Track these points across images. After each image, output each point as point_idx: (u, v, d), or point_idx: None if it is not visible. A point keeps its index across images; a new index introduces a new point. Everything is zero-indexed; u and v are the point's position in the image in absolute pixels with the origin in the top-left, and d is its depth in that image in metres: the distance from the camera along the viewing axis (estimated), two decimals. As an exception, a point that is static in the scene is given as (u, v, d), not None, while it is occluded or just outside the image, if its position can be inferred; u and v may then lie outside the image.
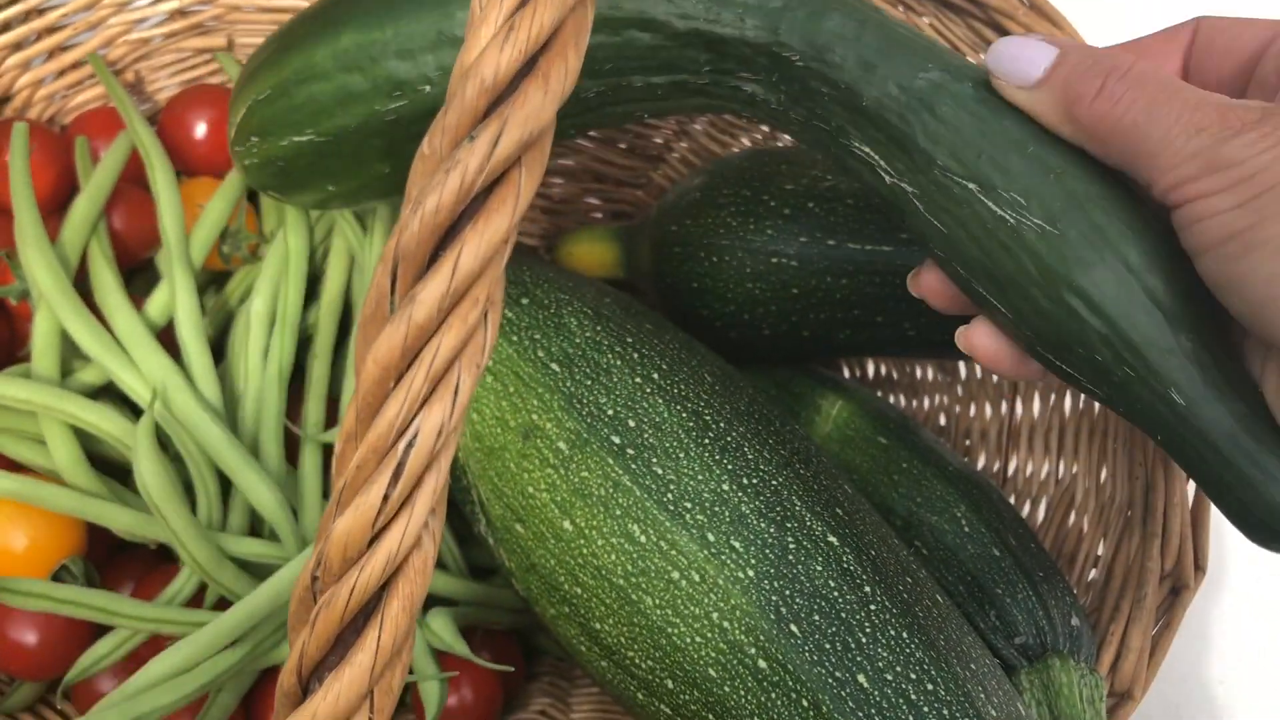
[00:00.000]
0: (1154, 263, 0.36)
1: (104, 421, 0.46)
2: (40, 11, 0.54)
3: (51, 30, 0.55)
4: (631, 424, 0.43)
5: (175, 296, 0.50)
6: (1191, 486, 0.47)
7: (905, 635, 0.39)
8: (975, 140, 0.39)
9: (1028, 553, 0.48)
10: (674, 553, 0.41)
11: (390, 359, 0.25)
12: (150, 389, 0.47)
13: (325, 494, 0.50)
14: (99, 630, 0.48)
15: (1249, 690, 0.69)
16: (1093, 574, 0.50)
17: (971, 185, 0.38)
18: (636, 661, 0.42)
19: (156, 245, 0.55)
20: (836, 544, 0.41)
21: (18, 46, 0.54)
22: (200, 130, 0.57)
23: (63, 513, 0.46)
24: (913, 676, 0.39)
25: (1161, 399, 0.36)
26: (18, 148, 0.49)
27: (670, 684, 0.41)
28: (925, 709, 0.38)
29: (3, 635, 0.47)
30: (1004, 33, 0.51)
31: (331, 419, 0.53)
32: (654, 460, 0.42)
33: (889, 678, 0.38)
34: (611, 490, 0.42)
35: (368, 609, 0.25)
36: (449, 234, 0.25)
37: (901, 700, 0.38)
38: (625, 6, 0.43)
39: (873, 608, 0.40)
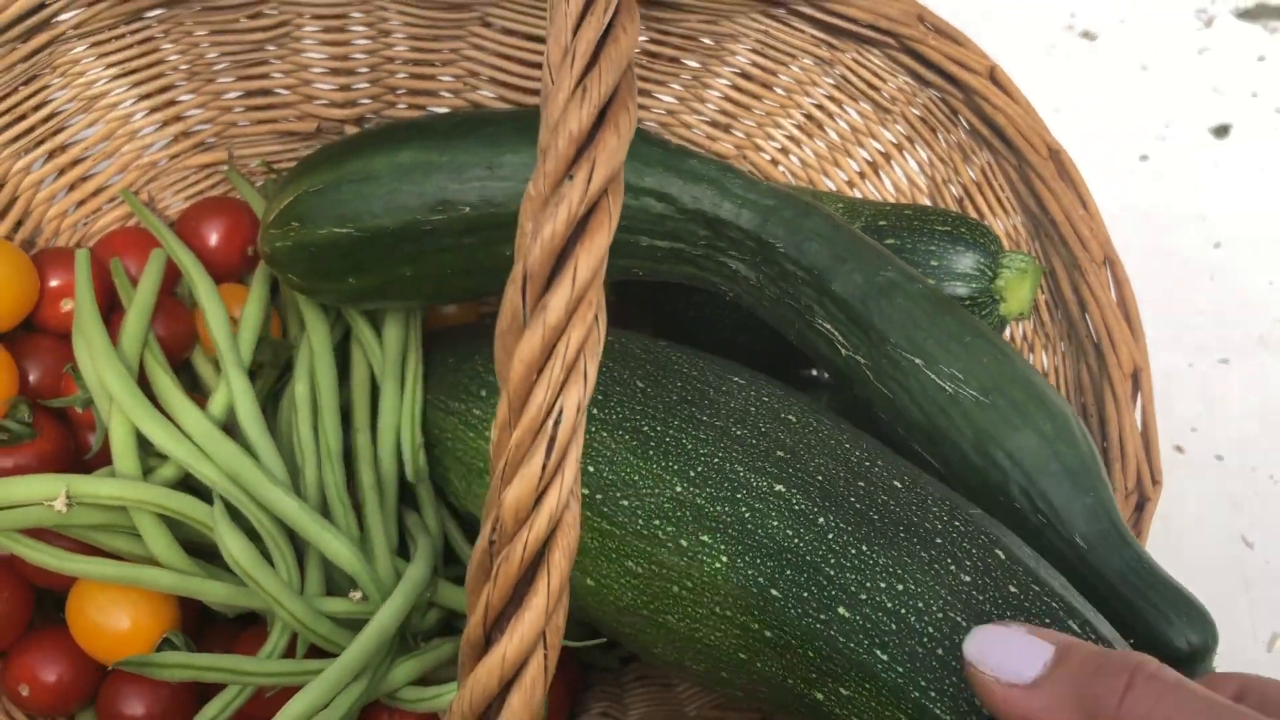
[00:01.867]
0: (1063, 434, 0.46)
1: (187, 508, 0.51)
2: (63, 148, 0.60)
3: (75, 163, 0.61)
4: (590, 469, 0.47)
5: (233, 394, 0.55)
6: (1139, 412, 0.55)
7: (865, 549, 0.41)
8: (923, 326, 0.48)
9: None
10: (664, 570, 0.44)
11: (532, 356, 0.31)
12: (223, 475, 0.52)
13: (390, 545, 0.55)
14: (198, 700, 0.53)
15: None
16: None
17: (918, 360, 0.48)
18: (694, 667, 0.47)
19: (191, 347, 0.60)
20: (783, 490, 0.44)
21: (42, 182, 0.60)
22: (214, 239, 0.62)
23: (164, 591, 0.50)
24: (882, 585, 0.41)
25: (1067, 543, 0.45)
26: (82, 274, 0.55)
27: (725, 674, 0.45)
28: (903, 611, 0.40)
29: (114, 711, 0.51)
30: (919, 58, 0.60)
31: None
32: (618, 495, 0.46)
33: (863, 598, 0.41)
34: (601, 539, 0.46)
35: (536, 561, 0.31)
36: (563, 254, 0.31)
37: (881, 613, 0.40)
38: (647, 179, 0.51)
39: (830, 536, 0.42)
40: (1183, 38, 1.18)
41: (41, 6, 0.53)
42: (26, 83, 0.56)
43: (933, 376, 0.48)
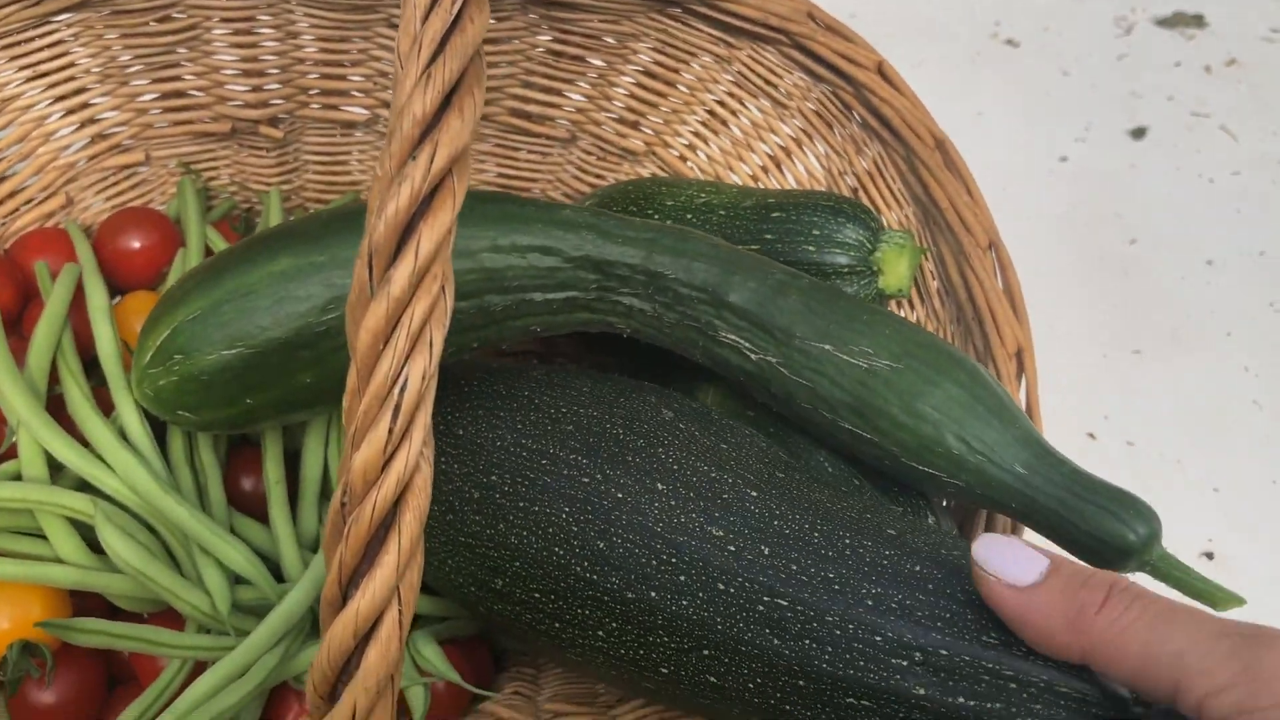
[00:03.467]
0: (978, 380, 0.50)
1: (84, 508, 0.52)
2: (-22, 150, 0.61)
3: (-9, 165, 0.62)
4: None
5: (123, 418, 0.56)
6: (1024, 392, 0.58)
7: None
8: (823, 314, 0.52)
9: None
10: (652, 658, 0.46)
11: (378, 327, 0.32)
12: (123, 485, 0.53)
13: (294, 536, 0.57)
14: (104, 693, 0.54)
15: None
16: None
17: (827, 345, 0.51)
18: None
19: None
20: (720, 535, 0.44)
21: (-41, 184, 0.61)
22: (134, 246, 0.64)
23: (68, 586, 0.51)
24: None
25: (1010, 473, 0.48)
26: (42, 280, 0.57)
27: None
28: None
29: (24, 702, 0.52)
30: (810, 54, 0.62)
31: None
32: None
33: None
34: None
35: (386, 521, 0.33)
36: (407, 229, 0.33)
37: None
38: (529, 236, 0.53)
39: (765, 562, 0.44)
40: (1103, 44, 1.22)
41: (-53, 11, 0.54)
42: (-61, 86, 0.57)
43: (845, 357, 0.51)
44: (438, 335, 0.33)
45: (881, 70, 0.62)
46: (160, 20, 0.61)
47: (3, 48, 0.58)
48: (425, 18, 0.35)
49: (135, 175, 0.68)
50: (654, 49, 0.66)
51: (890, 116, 0.61)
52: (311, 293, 0.51)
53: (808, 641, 0.43)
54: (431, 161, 0.33)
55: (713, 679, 0.45)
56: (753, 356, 0.54)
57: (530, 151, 0.73)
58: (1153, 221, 1.07)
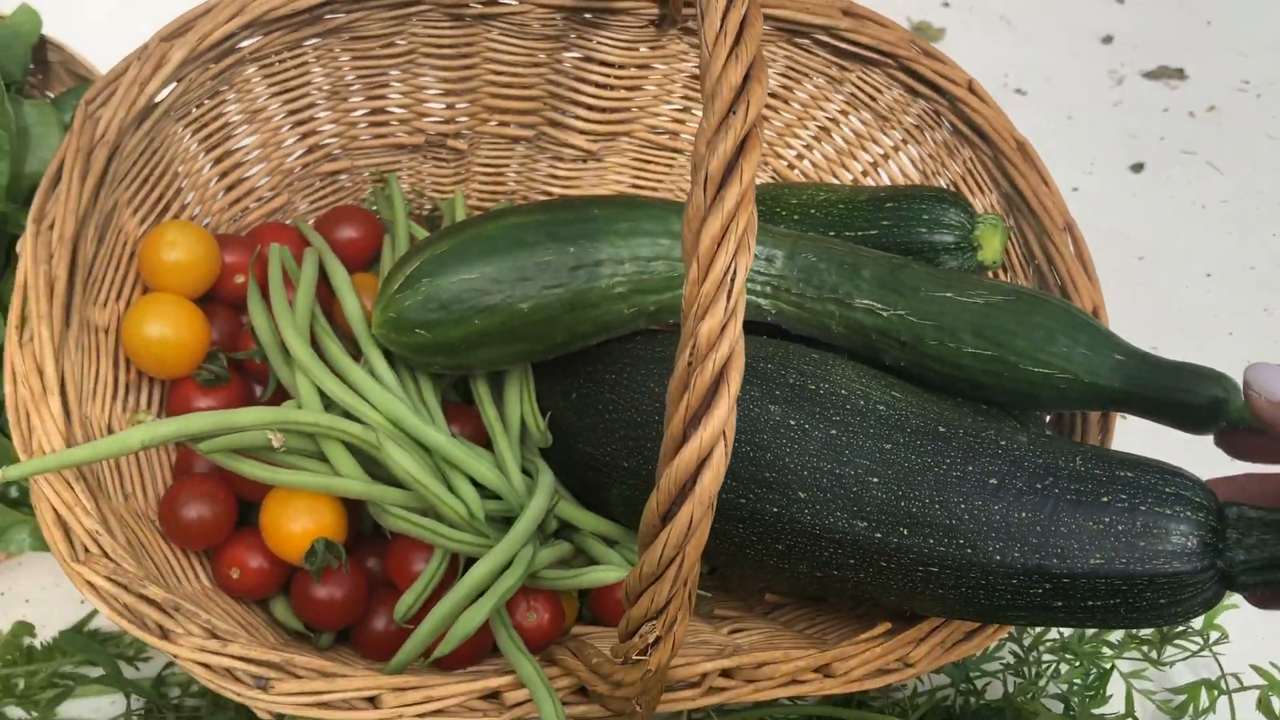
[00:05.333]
0: (1071, 308, 0.65)
1: (364, 434, 0.63)
2: (229, 153, 0.73)
3: (236, 166, 0.74)
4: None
5: (372, 362, 0.68)
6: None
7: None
8: (940, 277, 0.68)
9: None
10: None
11: (715, 233, 0.45)
12: (384, 418, 0.65)
13: (519, 466, 0.68)
14: (366, 594, 0.65)
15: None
16: (1048, 418, 0.73)
17: (948, 293, 0.66)
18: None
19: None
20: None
21: (210, 180, 0.73)
22: (348, 236, 0.75)
23: (356, 496, 0.62)
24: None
25: (1110, 359, 0.62)
26: (274, 262, 0.68)
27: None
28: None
29: (308, 596, 0.63)
30: (913, 74, 0.76)
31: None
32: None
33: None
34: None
35: (719, 377, 0.45)
36: (732, 164, 0.45)
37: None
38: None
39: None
40: (1100, 94, 1.39)
41: (231, 35, 0.66)
42: (211, 97, 0.69)
43: (964, 299, 0.65)
44: (752, 241, 0.46)
45: (971, 87, 0.75)
46: (384, 46, 0.73)
47: (261, 66, 0.70)
48: (725, 14, 0.48)
49: (336, 181, 0.80)
50: (780, 73, 0.79)
51: (980, 124, 0.75)
52: (537, 239, 0.65)
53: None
54: (746, 115, 0.46)
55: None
56: (884, 313, 0.67)
57: (659, 164, 0.86)
58: (1156, 241, 1.22)
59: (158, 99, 0.65)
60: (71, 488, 0.56)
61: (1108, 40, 1.44)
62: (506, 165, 0.84)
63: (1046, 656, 0.76)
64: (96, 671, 0.75)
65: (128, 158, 0.64)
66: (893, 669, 0.61)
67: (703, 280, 0.45)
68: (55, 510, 0.56)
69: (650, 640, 0.49)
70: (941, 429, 0.59)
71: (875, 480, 0.58)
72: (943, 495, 0.56)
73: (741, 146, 0.46)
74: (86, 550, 0.56)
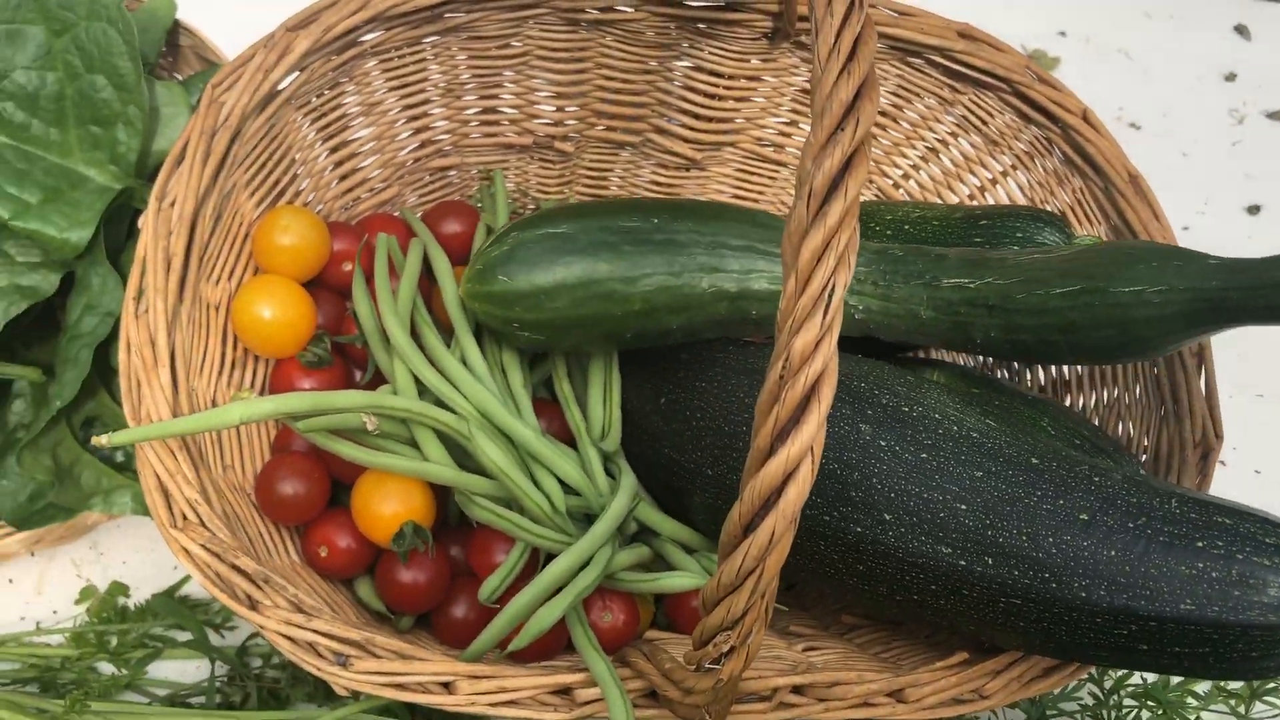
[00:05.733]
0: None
1: (454, 423, 0.64)
2: (345, 144, 0.75)
3: (351, 156, 0.76)
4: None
5: (465, 351, 0.69)
6: (1203, 379, 0.69)
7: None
8: (1028, 252, 0.67)
9: (1100, 438, 0.69)
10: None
11: (816, 248, 0.45)
12: (473, 408, 0.66)
13: (601, 466, 0.68)
14: (449, 580, 0.66)
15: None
16: (1143, 458, 0.71)
17: (1035, 254, 0.66)
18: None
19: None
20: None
21: (324, 169, 0.75)
22: (453, 230, 0.77)
23: (444, 482, 0.63)
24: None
25: (1202, 267, 0.60)
26: (381, 252, 0.70)
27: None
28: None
29: (392, 579, 0.64)
30: (1027, 100, 0.75)
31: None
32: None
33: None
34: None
35: (810, 393, 0.45)
36: (837, 179, 0.45)
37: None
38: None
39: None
40: (1218, 132, 1.35)
41: (355, 29, 0.68)
42: (331, 88, 0.71)
43: (1050, 257, 0.66)
44: (853, 258, 0.45)
45: (1086, 116, 0.74)
46: (500, 46, 0.75)
47: (380, 60, 0.72)
48: (840, 30, 0.48)
49: (445, 177, 0.82)
50: (891, 91, 0.79)
51: (1093, 154, 0.74)
52: (626, 208, 0.67)
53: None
54: (855, 132, 0.46)
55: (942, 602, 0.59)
56: (972, 285, 0.66)
57: (762, 176, 0.86)
58: (1270, 285, 1.18)
59: (280, 86, 0.67)
60: (175, 456, 0.58)
61: (1230, 78, 1.40)
62: (610, 170, 0.85)
63: (1128, 702, 0.74)
64: (184, 636, 0.77)
65: (248, 142, 0.67)
66: (967, 699, 0.60)
67: (800, 294, 0.45)
68: (158, 477, 0.58)
69: (724, 650, 0.49)
70: (1034, 460, 0.58)
71: (963, 507, 0.57)
72: (1031, 527, 0.55)
73: (848, 163, 0.46)
74: (184, 518, 0.58)
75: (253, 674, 0.74)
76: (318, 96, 0.71)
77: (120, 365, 0.60)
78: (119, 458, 0.76)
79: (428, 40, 0.73)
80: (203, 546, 0.57)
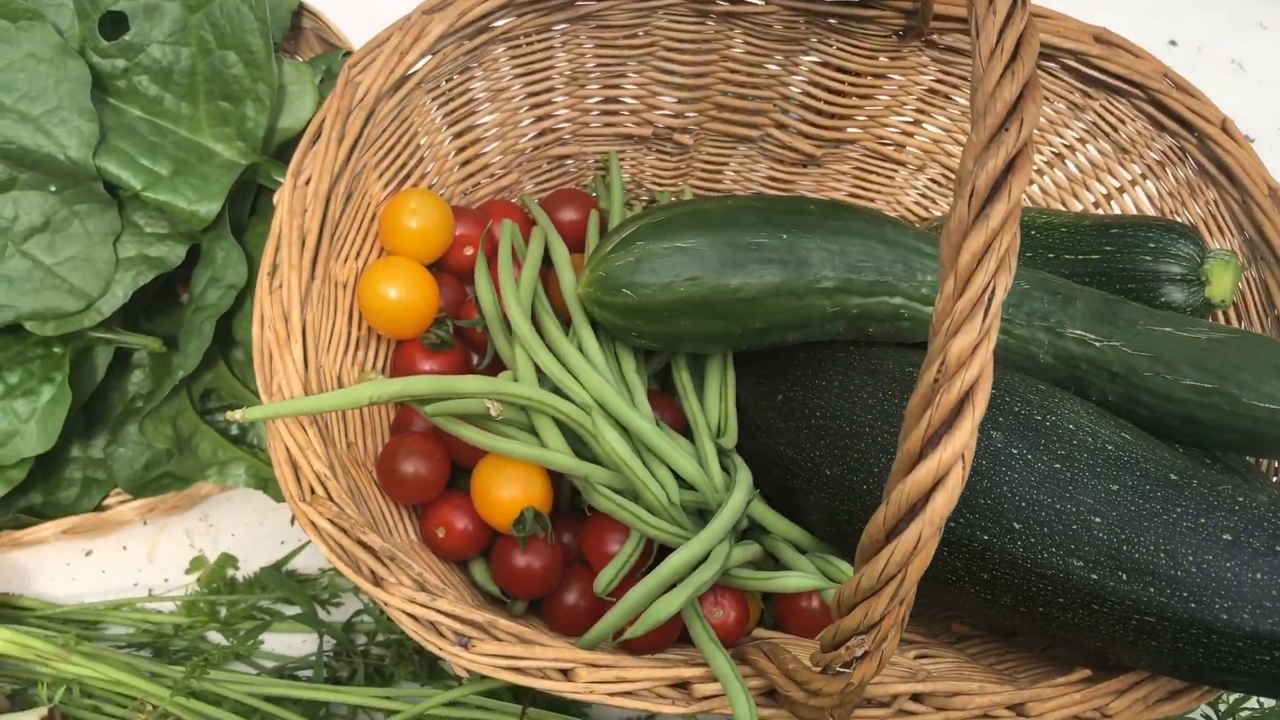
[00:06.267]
0: None
1: (573, 413, 0.64)
2: (470, 129, 0.75)
3: (475, 142, 0.76)
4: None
5: (582, 339, 0.69)
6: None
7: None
8: (1159, 314, 0.66)
9: (1231, 458, 0.67)
10: None
11: (977, 249, 0.44)
12: (591, 398, 0.66)
13: (717, 462, 0.68)
14: (562, 566, 0.66)
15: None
16: (1275, 479, 0.69)
17: (1168, 328, 0.65)
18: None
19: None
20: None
21: (448, 154, 0.75)
22: (571, 218, 0.77)
23: (564, 470, 0.63)
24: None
25: None
26: (505, 238, 0.70)
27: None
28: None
29: (509, 563, 0.64)
30: (1162, 108, 0.73)
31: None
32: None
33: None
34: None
35: (965, 398, 0.44)
36: (1000, 180, 0.44)
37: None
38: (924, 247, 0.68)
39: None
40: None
41: (489, 14, 0.68)
42: (461, 72, 0.71)
43: (1185, 333, 0.63)
44: (1014, 261, 0.44)
45: (1225, 126, 0.72)
46: (628, 36, 0.74)
47: (509, 47, 0.72)
48: (1002, 30, 0.47)
49: (562, 165, 0.82)
50: (1019, 94, 0.77)
51: (1231, 165, 0.72)
52: (753, 221, 0.65)
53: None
54: (1019, 133, 0.45)
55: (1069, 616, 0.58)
56: (1097, 344, 0.65)
57: (880, 175, 0.85)
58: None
59: (413, 69, 0.67)
60: (305, 431, 0.59)
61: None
62: (726, 164, 0.85)
63: (1242, 727, 0.73)
64: (291, 610, 0.78)
65: (379, 123, 0.67)
66: (1088, 717, 0.59)
67: (958, 296, 0.44)
68: (288, 451, 0.59)
69: (858, 654, 0.49)
70: (1174, 477, 0.56)
71: (1098, 520, 0.56)
72: (1170, 544, 0.54)
73: (1011, 164, 0.45)
74: (312, 491, 0.58)
75: (358, 651, 0.75)
76: (446, 81, 0.71)
77: (254, 339, 0.60)
78: (233, 430, 0.77)
79: (557, 28, 0.73)
80: (330, 521, 0.57)
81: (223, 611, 0.77)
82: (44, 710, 0.66)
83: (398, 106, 0.68)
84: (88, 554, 0.81)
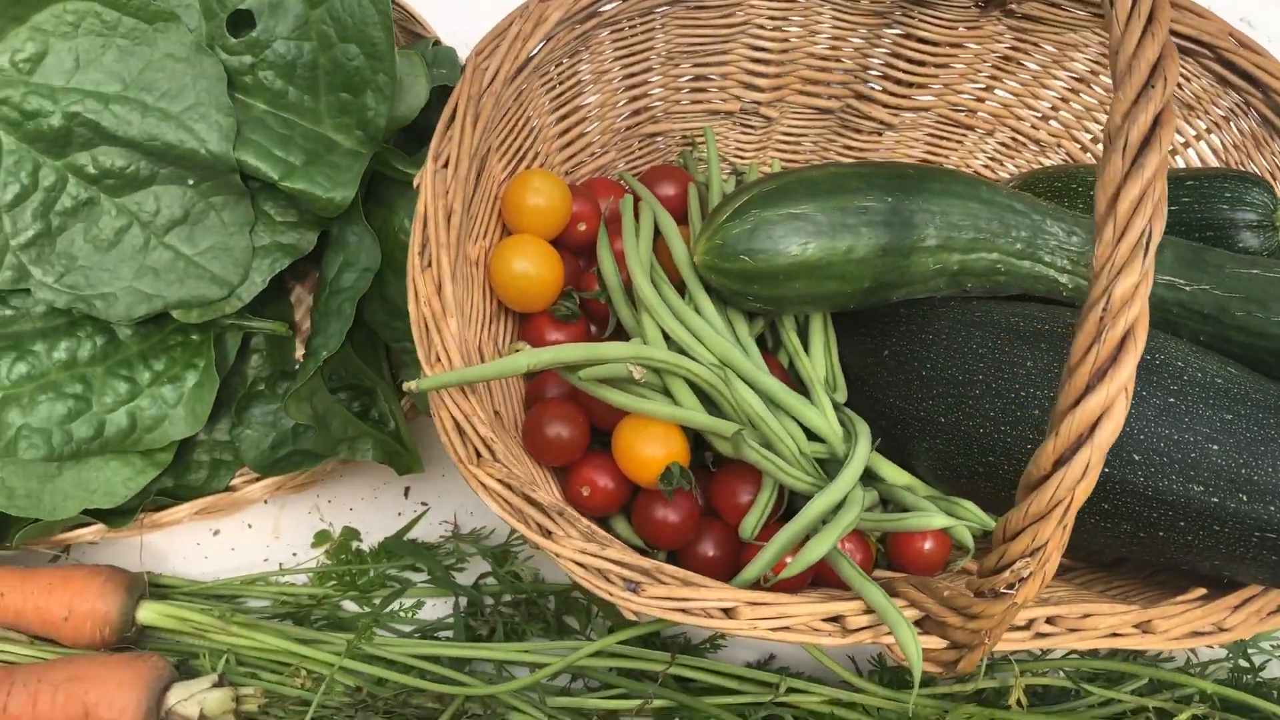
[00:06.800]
0: None
1: (705, 374, 0.68)
2: (575, 110, 0.79)
3: (580, 122, 0.80)
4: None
5: (700, 305, 0.73)
6: None
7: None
8: (1243, 258, 0.71)
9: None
10: None
11: (1134, 197, 0.48)
12: (717, 359, 0.70)
13: (834, 416, 0.72)
14: (699, 520, 0.70)
15: None
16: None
17: (1255, 270, 0.71)
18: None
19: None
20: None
21: (553, 135, 0.79)
22: (669, 193, 0.81)
23: (701, 427, 0.67)
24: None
25: None
26: (627, 213, 0.74)
27: None
28: None
29: (653, 517, 0.68)
30: (1229, 65, 0.78)
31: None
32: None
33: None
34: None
35: (1128, 335, 0.48)
36: (1151, 133, 0.48)
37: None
38: (1021, 208, 0.73)
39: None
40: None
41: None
42: (570, 56, 0.75)
43: (1274, 275, 0.68)
44: (1164, 209, 0.49)
45: (1289, 79, 0.77)
46: (724, 15, 0.78)
47: (613, 30, 0.76)
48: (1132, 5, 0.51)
49: (652, 143, 0.85)
50: (1090, 59, 0.82)
51: (1297, 116, 0.76)
52: (858, 186, 0.70)
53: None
54: (1164, 89, 0.49)
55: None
56: (1187, 288, 0.70)
57: (951, 140, 0.90)
58: None
59: (532, 55, 0.71)
60: (468, 398, 0.62)
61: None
62: (805, 135, 0.89)
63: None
64: (417, 576, 0.82)
65: (501, 107, 0.70)
66: (1207, 631, 0.64)
67: (1118, 241, 0.48)
68: (454, 418, 0.62)
69: (1023, 575, 0.53)
70: (1283, 404, 0.61)
71: (1215, 447, 0.60)
72: (1288, 465, 0.59)
73: (1158, 118, 0.49)
74: (478, 455, 0.62)
75: (487, 610, 0.79)
76: (555, 66, 0.75)
77: (411, 315, 0.64)
78: (355, 408, 0.80)
79: (659, 10, 0.76)
80: (499, 481, 0.61)
81: (361, 578, 0.80)
82: (215, 677, 0.69)
83: (516, 90, 0.71)
84: (215, 533, 0.84)
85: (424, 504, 0.87)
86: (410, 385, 0.60)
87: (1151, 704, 0.70)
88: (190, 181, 0.71)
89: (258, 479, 0.81)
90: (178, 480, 0.80)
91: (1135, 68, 0.50)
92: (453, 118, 0.67)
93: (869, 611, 0.61)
